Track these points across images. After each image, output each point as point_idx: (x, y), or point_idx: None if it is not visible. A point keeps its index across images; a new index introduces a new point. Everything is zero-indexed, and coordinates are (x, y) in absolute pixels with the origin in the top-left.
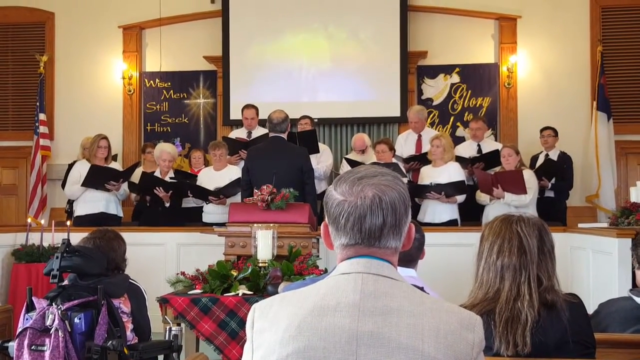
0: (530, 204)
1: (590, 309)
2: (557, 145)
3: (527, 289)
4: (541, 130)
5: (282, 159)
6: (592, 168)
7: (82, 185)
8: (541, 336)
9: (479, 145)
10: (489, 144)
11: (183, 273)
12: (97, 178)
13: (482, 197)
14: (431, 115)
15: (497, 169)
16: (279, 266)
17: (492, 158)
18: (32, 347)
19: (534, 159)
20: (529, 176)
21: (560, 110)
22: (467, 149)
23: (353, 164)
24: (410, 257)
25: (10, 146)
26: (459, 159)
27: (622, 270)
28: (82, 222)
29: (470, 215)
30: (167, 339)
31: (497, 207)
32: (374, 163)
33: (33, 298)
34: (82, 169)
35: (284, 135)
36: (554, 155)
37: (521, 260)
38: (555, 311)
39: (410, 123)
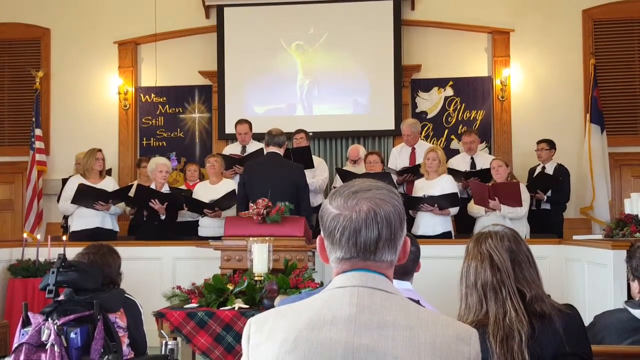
0: (523, 217)
1: (586, 320)
2: (554, 158)
3: (510, 304)
4: (537, 143)
5: (278, 174)
6: (586, 180)
7: (72, 202)
8: (538, 349)
9: (472, 159)
10: (483, 157)
11: (179, 287)
12: (85, 197)
13: (474, 209)
14: (425, 129)
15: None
16: (275, 280)
17: (486, 174)
18: None
19: (532, 171)
20: (522, 188)
21: (554, 122)
22: (461, 162)
23: (345, 175)
24: (405, 270)
25: (6, 161)
26: (453, 172)
27: (617, 282)
28: (78, 237)
29: (468, 228)
30: (163, 353)
31: (491, 219)
32: (366, 173)
33: (29, 313)
34: (76, 185)
35: (281, 151)
36: (550, 167)
37: (497, 278)
38: (549, 321)
39: (404, 136)
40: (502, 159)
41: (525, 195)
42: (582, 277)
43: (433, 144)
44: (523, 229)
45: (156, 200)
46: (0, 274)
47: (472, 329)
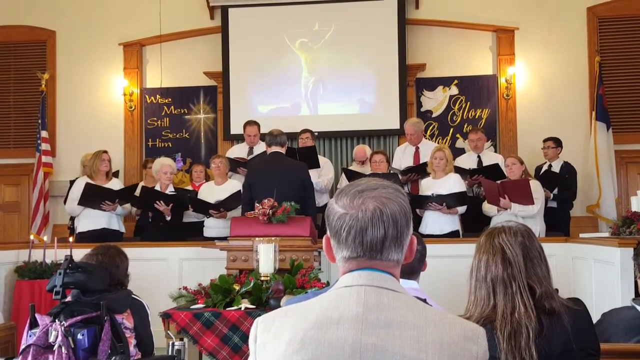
0: (537, 215)
1: (594, 318)
2: (561, 156)
3: (520, 300)
4: (544, 141)
5: (283, 173)
6: (593, 178)
7: (79, 204)
8: (545, 345)
9: (479, 157)
10: (489, 156)
11: (185, 288)
12: (92, 197)
13: (487, 207)
14: (430, 127)
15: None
16: (281, 280)
17: (493, 171)
18: None
19: (538, 169)
20: (535, 186)
21: (560, 120)
22: (467, 161)
23: (351, 175)
24: (412, 269)
25: (12, 163)
26: (459, 170)
27: (624, 280)
28: (84, 238)
29: (476, 226)
30: (170, 353)
31: (503, 217)
32: (373, 174)
33: (36, 315)
34: (82, 186)
35: (283, 150)
36: (557, 165)
37: (508, 272)
38: (557, 318)
39: (407, 135)
40: (516, 156)
41: (538, 193)
42: (589, 275)
43: (438, 143)
44: (537, 227)
45: (161, 201)
46: (7, 276)
47: (479, 328)
